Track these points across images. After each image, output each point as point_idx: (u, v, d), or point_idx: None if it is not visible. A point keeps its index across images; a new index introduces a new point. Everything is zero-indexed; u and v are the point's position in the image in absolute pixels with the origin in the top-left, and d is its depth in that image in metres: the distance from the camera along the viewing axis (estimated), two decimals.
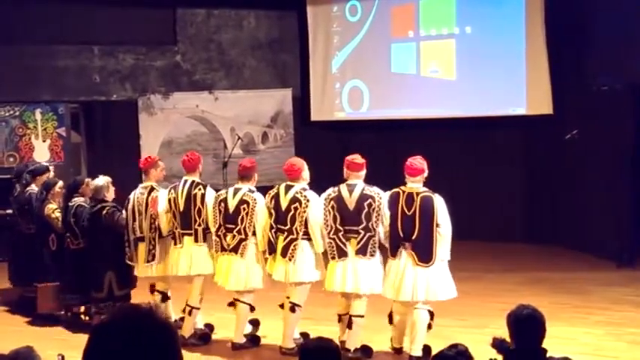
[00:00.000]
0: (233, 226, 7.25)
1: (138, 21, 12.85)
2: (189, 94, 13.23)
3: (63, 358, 4.49)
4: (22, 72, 12.23)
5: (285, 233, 7.07)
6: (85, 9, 12.36)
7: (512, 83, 11.97)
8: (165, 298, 7.89)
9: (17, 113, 12.47)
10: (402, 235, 6.74)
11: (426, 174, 6.90)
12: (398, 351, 7.08)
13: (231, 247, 7.26)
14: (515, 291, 8.96)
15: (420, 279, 6.68)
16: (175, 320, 7.87)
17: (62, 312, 8.46)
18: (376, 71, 13.09)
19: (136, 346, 1.82)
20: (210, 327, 7.92)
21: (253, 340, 7.51)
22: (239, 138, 12.63)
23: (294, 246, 7.04)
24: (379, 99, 13.15)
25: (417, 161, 6.91)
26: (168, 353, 1.87)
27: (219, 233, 7.36)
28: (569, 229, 11.68)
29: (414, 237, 6.70)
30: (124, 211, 7.91)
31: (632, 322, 8.02)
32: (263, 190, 8.01)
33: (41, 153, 12.52)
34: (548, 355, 4.11)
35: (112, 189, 8.07)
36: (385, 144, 12.24)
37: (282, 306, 7.36)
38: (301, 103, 13.69)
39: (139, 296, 7.91)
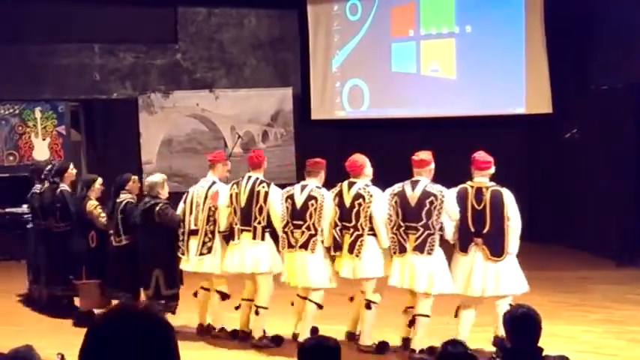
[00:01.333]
0: (301, 223, 7.21)
1: (138, 19, 12.85)
2: (189, 93, 13.23)
3: (62, 357, 4.48)
4: (22, 70, 12.23)
5: (351, 230, 7.07)
6: (86, 7, 12.36)
7: (512, 82, 11.98)
8: (224, 296, 7.76)
9: (17, 112, 12.48)
10: (472, 230, 6.79)
11: (494, 168, 6.95)
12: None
13: (300, 243, 7.21)
14: None
15: (489, 273, 6.74)
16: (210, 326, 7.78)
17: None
18: (376, 70, 13.09)
19: (132, 344, 1.82)
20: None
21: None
22: (239, 137, 12.64)
23: (361, 242, 7.05)
24: (379, 98, 13.15)
25: (485, 155, 6.98)
26: (165, 351, 1.87)
27: (286, 230, 7.31)
28: (568, 228, 11.68)
29: (485, 231, 6.75)
30: (181, 204, 7.84)
31: (632, 320, 8.03)
32: None
33: (41, 151, 12.53)
34: (545, 353, 4.11)
35: (166, 186, 7.97)
36: (385, 143, 12.23)
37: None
38: (301, 101, 13.69)
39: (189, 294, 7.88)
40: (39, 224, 9.04)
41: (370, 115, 13.32)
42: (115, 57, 12.91)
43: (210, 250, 7.62)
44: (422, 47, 12.70)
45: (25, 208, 11.84)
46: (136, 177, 8.46)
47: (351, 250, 7.07)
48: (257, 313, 7.45)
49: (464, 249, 6.84)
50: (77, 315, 8.32)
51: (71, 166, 9.08)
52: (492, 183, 6.92)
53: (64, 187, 8.75)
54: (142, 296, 8.02)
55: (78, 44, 12.65)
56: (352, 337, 7.33)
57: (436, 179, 7.31)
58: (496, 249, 6.74)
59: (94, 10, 12.43)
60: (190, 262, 7.72)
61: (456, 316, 7.05)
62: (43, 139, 12.56)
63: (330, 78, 13.52)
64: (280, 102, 13.68)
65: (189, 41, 13.36)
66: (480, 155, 7.00)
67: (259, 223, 7.40)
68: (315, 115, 13.59)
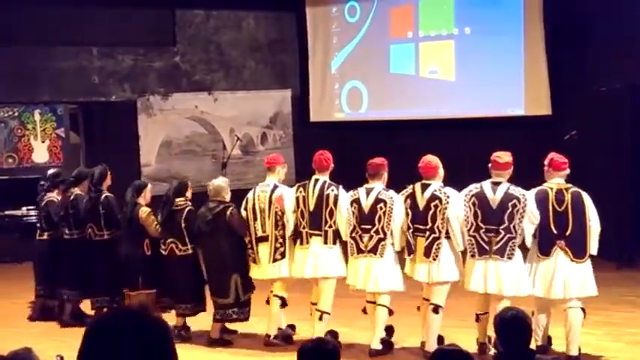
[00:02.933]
0: (370, 227, 7.06)
1: (137, 22, 12.85)
2: (188, 95, 13.23)
3: (62, 359, 4.49)
4: (21, 73, 12.22)
5: (427, 233, 6.92)
6: (84, 10, 12.36)
7: (510, 84, 11.97)
8: (284, 304, 7.57)
9: (16, 114, 12.47)
10: (555, 232, 6.72)
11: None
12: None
13: (369, 248, 7.06)
14: None
15: (573, 275, 6.69)
16: (282, 328, 7.63)
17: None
18: (375, 72, 13.09)
19: (129, 345, 1.83)
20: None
21: (388, 345, 7.26)
22: (238, 139, 12.64)
23: (438, 245, 6.90)
24: (378, 100, 13.16)
25: (561, 156, 6.95)
26: (162, 351, 1.88)
27: (353, 235, 7.16)
28: None
29: (567, 233, 6.71)
30: (243, 212, 7.60)
31: (632, 322, 8.03)
32: None
33: (40, 154, 12.53)
34: (538, 355, 4.11)
35: (229, 191, 7.75)
36: (384, 145, 12.23)
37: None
38: (300, 103, 13.70)
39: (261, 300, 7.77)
40: (70, 234, 8.51)
41: (369, 116, 13.32)
42: (113, 59, 12.90)
43: (283, 255, 7.43)
44: (420, 49, 12.70)
45: (24, 210, 11.84)
46: (191, 184, 8.17)
47: (427, 254, 6.91)
48: (321, 318, 7.28)
49: (546, 252, 6.75)
50: None
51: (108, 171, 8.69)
52: (570, 184, 6.88)
53: (107, 193, 8.36)
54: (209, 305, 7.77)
55: (76, 47, 12.64)
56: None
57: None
58: (579, 251, 6.70)
59: (92, 13, 12.43)
60: (263, 269, 7.51)
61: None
62: (42, 142, 12.55)
63: (328, 80, 13.53)
64: (279, 104, 13.69)
65: (188, 43, 13.36)
66: (557, 156, 6.96)
67: (330, 227, 7.24)
68: (314, 117, 13.59)
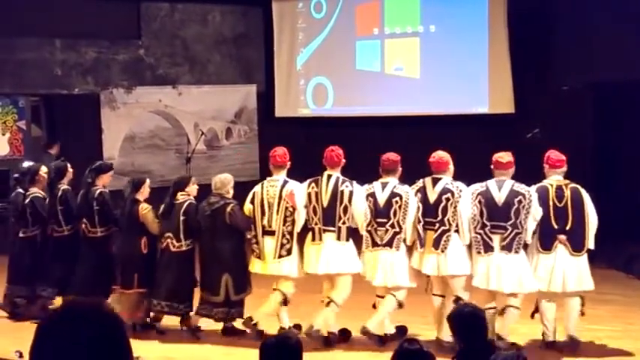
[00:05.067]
0: (385, 220, 7.15)
1: (101, 14, 12.70)
2: (152, 89, 13.12)
3: (21, 354, 4.44)
4: None
5: (437, 225, 7.04)
6: (48, 1, 12.20)
7: (475, 82, 12.06)
8: (286, 301, 7.45)
9: None
10: (556, 227, 6.92)
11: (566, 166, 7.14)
12: (550, 344, 7.07)
13: (384, 241, 7.14)
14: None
15: (571, 269, 6.89)
16: (289, 327, 7.43)
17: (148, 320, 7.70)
18: (341, 68, 13.11)
19: (83, 339, 1.80)
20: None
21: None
22: (202, 133, 12.58)
23: (447, 237, 7.01)
24: (343, 96, 13.18)
25: (558, 154, 7.16)
26: (115, 344, 1.86)
27: (369, 228, 7.22)
28: None
29: (568, 228, 6.92)
30: (248, 205, 7.44)
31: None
32: None
33: (0, 146, 12.35)
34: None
35: (232, 187, 7.57)
36: (349, 141, 12.21)
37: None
38: (265, 99, 13.67)
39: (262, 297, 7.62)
40: (59, 231, 8.22)
41: (334, 113, 13.34)
42: (76, 52, 12.75)
43: (289, 252, 7.34)
44: (386, 46, 12.75)
45: None
46: (195, 178, 8.01)
47: (436, 246, 7.02)
48: (328, 304, 7.22)
49: (547, 247, 6.97)
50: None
51: (112, 171, 8.42)
52: (568, 180, 7.11)
53: (101, 188, 8.06)
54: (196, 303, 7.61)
55: (39, 39, 12.46)
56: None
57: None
58: (578, 245, 6.93)
59: (55, 4, 12.26)
60: (267, 265, 7.39)
61: (532, 317, 7.14)
62: (3, 134, 12.37)
63: (294, 76, 13.52)
64: (244, 99, 13.65)
65: (153, 37, 13.25)
66: (554, 154, 7.20)
67: (344, 223, 7.21)
68: (279, 112, 13.57)
